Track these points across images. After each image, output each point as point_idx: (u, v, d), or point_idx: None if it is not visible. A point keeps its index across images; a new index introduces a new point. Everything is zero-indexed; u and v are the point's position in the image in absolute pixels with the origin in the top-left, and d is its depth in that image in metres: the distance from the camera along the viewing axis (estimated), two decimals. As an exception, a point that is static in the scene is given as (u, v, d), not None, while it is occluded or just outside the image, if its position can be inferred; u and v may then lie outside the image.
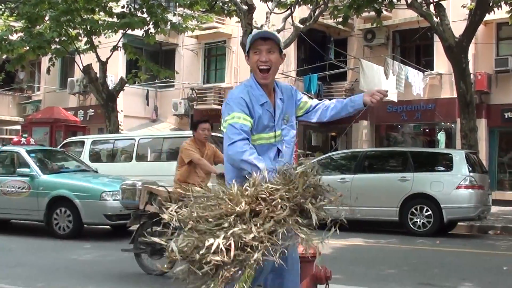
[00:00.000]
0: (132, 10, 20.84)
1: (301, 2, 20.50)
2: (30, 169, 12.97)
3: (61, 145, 19.27)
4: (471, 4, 17.21)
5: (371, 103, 4.16)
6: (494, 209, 16.43)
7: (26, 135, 17.46)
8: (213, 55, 29.35)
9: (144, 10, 20.31)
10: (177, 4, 20.04)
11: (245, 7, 19.04)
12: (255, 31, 4.51)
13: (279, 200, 3.49)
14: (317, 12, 20.34)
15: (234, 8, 20.45)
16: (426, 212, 13.64)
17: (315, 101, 4.58)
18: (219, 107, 27.01)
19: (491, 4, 15.97)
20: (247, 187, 3.55)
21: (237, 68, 27.10)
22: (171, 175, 17.05)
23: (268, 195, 3.50)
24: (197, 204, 3.56)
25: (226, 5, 21.49)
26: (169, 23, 21.45)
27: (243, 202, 3.44)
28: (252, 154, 3.92)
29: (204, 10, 21.12)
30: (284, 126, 4.38)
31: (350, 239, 12.44)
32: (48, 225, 12.60)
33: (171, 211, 3.53)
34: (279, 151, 4.30)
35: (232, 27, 26.91)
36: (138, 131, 26.40)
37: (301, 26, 20.50)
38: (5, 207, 13.08)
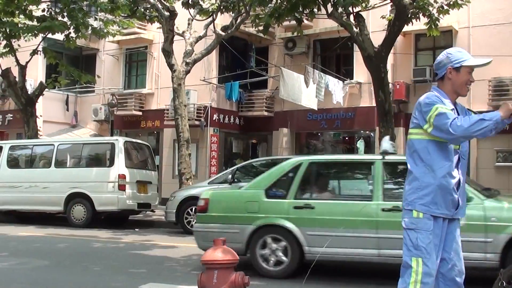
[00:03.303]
0: (52, 13, 20.43)
1: (223, 10, 20.58)
2: None
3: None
4: (390, 15, 17.59)
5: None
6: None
7: None
8: (134, 61, 29.04)
9: (65, 14, 19.93)
10: (99, 8, 19.76)
11: (166, 13, 18.99)
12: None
13: None
14: (238, 20, 20.46)
15: (156, 14, 20.36)
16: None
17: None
18: (139, 113, 26.85)
19: (409, 15, 16.38)
20: None
21: (158, 74, 26.93)
22: (90, 181, 16.96)
23: None
24: None
25: (147, 10, 21.34)
26: (90, 27, 21.15)
27: None
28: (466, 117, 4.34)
29: (125, 15, 20.90)
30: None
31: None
32: None
33: None
34: (459, 160, 4.52)
35: (153, 33, 26.75)
36: (58, 137, 25.88)
37: (223, 33, 20.58)
38: None
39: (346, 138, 26.37)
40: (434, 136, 4.43)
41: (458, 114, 4.52)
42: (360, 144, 24.64)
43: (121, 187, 16.87)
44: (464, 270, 4.57)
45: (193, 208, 15.37)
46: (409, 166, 4.56)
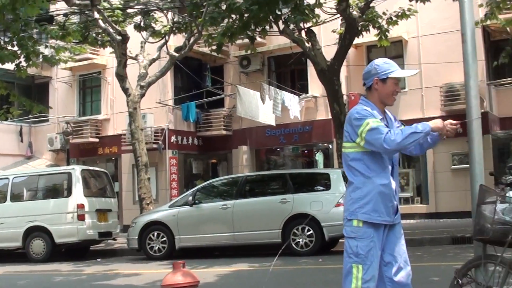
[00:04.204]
0: (1, 43, 20.13)
1: (176, 31, 20.55)
2: None
3: None
4: (340, 29, 17.78)
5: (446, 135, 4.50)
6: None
7: None
8: (88, 87, 28.72)
9: (15, 42, 19.66)
10: (49, 36, 19.53)
11: (118, 37, 18.86)
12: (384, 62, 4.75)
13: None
14: (191, 40, 20.40)
15: (108, 39, 20.23)
16: (307, 232, 13.93)
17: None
18: (96, 139, 26.55)
19: (359, 28, 16.58)
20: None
21: (113, 99, 26.68)
22: (48, 213, 16.62)
23: None
24: None
25: (99, 35, 21.20)
26: (41, 55, 20.87)
27: None
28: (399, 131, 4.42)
29: (77, 41, 20.71)
30: None
31: (235, 265, 12.51)
32: None
33: None
34: (392, 168, 4.63)
35: (106, 57, 26.53)
36: (13, 170, 25.35)
37: (176, 54, 20.52)
38: None
39: (305, 152, 26.46)
40: (367, 148, 4.52)
41: (388, 124, 4.65)
42: (319, 157, 24.78)
43: (81, 217, 16.55)
44: (410, 272, 4.65)
45: (155, 233, 15.29)
46: (348, 177, 4.66)
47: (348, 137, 4.61)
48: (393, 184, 4.60)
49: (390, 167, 4.60)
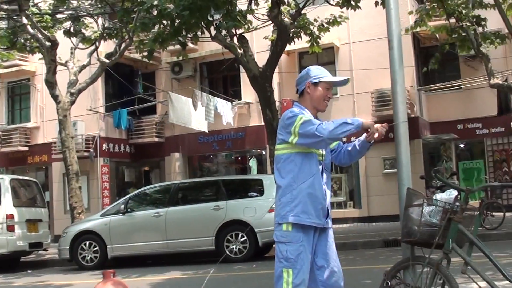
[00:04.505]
0: None
1: (106, 37, 20.29)
2: None
3: None
4: (272, 36, 17.89)
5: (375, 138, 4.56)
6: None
7: None
8: (17, 94, 28.07)
9: None
10: (-24, 43, 19.09)
11: (48, 43, 18.48)
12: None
13: None
14: (122, 47, 20.18)
15: (37, 45, 19.80)
16: (241, 238, 13.93)
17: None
18: (25, 148, 25.98)
19: (291, 35, 16.71)
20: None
21: (43, 107, 26.15)
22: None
23: None
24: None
25: (28, 41, 20.75)
26: (-33, 62, 20.39)
27: None
28: (330, 121, 4.47)
29: (5, 47, 20.24)
30: (327, 151, 4.79)
31: (168, 273, 12.41)
32: None
33: None
34: (322, 172, 4.66)
35: (35, 64, 25.99)
36: None
37: (107, 61, 20.25)
38: None
39: (239, 158, 26.50)
40: (300, 148, 4.58)
41: None
42: (252, 163, 24.85)
43: (10, 228, 16.10)
44: (342, 275, 4.72)
45: (87, 243, 15.06)
46: (277, 181, 4.69)
47: (281, 139, 4.66)
48: (323, 187, 4.64)
49: (320, 170, 4.65)
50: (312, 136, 4.43)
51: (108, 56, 20.59)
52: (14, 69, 26.15)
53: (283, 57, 21.80)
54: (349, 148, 4.83)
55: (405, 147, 5.15)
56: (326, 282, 4.63)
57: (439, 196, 5.07)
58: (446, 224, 4.79)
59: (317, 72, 4.76)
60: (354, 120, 4.44)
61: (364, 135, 4.66)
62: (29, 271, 16.07)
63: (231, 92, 25.46)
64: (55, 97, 19.13)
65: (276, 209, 4.66)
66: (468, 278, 4.87)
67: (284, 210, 4.57)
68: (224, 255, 13.42)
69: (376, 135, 4.50)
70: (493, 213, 16.40)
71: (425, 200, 4.95)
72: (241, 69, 20.95)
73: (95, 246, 15.03)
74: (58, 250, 15.75)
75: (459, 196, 4.90)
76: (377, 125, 4.51)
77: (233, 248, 13.99)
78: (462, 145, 24.73)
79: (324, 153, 4.71)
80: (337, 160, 4.91)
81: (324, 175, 4.70)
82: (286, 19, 15.81)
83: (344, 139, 5.03)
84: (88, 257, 15.07)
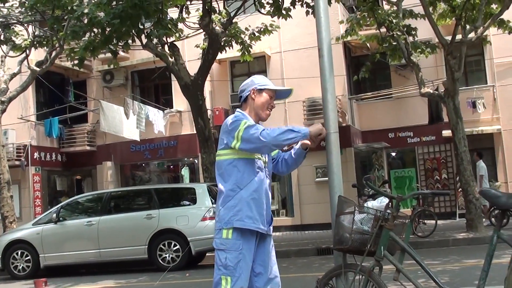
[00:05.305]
0: None
1: (37, 45, 19.90)
2: None
3: None
4: (204, 44, 17.88)
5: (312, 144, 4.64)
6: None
7: None
8: None
9: None
10: None
11: (-24, 51, 18.02)
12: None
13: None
14: (53, 55, 19.84)
15: (-35, 53, 19.29)
16: (174, 246, 13.86)
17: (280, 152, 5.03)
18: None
19: (222, 43, 16.74)
20: None
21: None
22: None
23: None
24: None
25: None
26: None
27: None
28: (275, 127, 4.50)
29: None
30: (269, 158, 4.82)
31: (101, 282, 12.25)
32: None
33: None
34: (264, 178, 4.67)
35: (-38, 72, 25.27)
36: None
37: (38, 69, 19.87)
38: None
39: (171, 167, 26.35)
40: (242, 153, 4.56)
41: None
42: (185, 172, 24.75)
43: None
44: (280, 283, 4.74)
45: (19, 252, 14.83)
46: (219, 186, 4.68)
47: (223, 144, 4.64)
48: (268, 193, 4.67)
49: (263, 176, 4.65)
50: (256, 141, 4.42)
51: (38, 64, 20.21)
52: None
53: (215, 65, 21.80)
54: (286, 157, 4.88)
55: (336, 156, 5.16)
56: None
57: (370, 203, 5.15)
58: (378, 231, 4.83)
59: (263, 80, 4.85)
60: (301, 128, 4.47)
61: (300, 143, 4.72)
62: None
63: (163, 101, 25.32)
64: (-16, 106, 18.70)
65: (218, 215, 4.62)
66: (400, 285, 4.92)
67: (227, 215, 4.53)
68: (172, 265, 13.39)
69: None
70: (425, 221, 16.68)
71: (356, 207, 4.96)
72: (173, 77, 20.79)
73: (27, 256, 14.85)
74: (-11, 260, 15.39)
75: (390, 203, 4.97)
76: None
77: (166, 257, 13.90)
78: (393, 154, 25.09)
79: (267, 159, 4.74)
80: (275, 169, 4.94)
81: (267, 181, 4.71)
82: (217, 28, 15.82)
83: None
84: (20, 267, 14.85)
